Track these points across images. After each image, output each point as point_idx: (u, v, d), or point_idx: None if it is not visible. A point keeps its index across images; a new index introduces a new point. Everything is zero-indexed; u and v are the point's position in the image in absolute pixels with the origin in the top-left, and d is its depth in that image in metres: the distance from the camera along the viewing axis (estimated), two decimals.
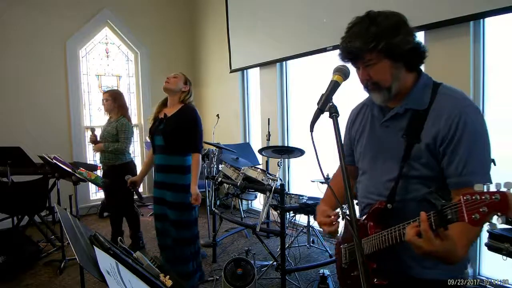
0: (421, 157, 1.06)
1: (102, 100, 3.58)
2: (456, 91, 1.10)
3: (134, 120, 5.31)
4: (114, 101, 3.51)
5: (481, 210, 0.73)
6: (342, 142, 1.35)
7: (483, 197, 0.73)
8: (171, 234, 2.49)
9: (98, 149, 3.49)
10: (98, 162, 3.72)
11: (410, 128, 1.08)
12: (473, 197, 0.75)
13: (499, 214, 0.72)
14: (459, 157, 1.00)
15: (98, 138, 3.52)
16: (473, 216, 0.75)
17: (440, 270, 1.06)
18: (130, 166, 3.48)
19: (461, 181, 1.00)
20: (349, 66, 1.11)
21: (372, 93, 1.13)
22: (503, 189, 0.73)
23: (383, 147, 1.16)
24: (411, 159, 1.07)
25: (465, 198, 0.77)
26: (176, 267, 2.48)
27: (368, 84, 1.10)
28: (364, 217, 1.20)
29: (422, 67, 1.17)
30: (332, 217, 1.19)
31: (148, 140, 2.73)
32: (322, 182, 3.16)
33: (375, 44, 1.01)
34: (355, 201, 1.15)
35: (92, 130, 3.63)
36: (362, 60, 1.06)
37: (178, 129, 2.41)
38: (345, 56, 1.10)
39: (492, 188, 0.74)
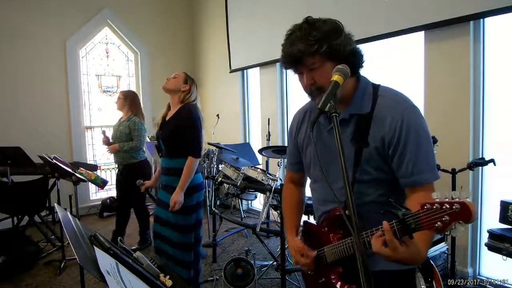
0: (371, 160, 1.08)
1: (117, 97, 3.69)
2: (394, 93, 1.13)
3: None
4: (125, 99, 3.58)
5: (443, 219, 0.76)
6: (291, 150, 1.37)
7: (444, 207, 0.76)
8: (169, 237, 2.38)
9: (113, 150, 3.52)
10: (113, 162, 3.75)
11: (357, 132, 1.09)
12: (434, 207, 0.78)
13: (461, 222, 0.75)
14: (407, 159, 1.04)
15: (111, 139, 3.57)
16: (436, 225, 0.77)
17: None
18: (144, 165, 3.56)
19: (412, 181, 1.05)
20: (290, 73, 1.12)
21: (317, 98, 1.11)
22: (461, 199, 0.75)
23: (332, 154, 1.14)
24: (363, 163, 1.09)
25: (425, 207, 0.79)
26: (176, 271, 2.40)
27: (312, 89, 1.09)
28: (323, 224, 1.20)
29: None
30: (309, 258, 1.19)
31: (148, 140, 2.72)
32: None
33: (317, 46, 1.02)
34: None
35: (103, 132, 3.66)
36: (305, 64, 1.07)
37: (173, 132, 2.30)
38: (287, 62, 1.10)
39: (449, 196, 0.77)
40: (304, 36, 1.04)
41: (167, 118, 2.42)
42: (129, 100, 3.59)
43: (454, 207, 0.75)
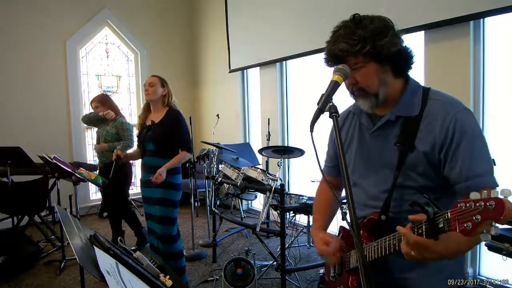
0: (417, 166, 1.02)
1: (92, 108, 3.69)
2: (446, 95, 1.07)
3: (134, 119, 5.30)
4: (104, 104, 3.61)
5: (474, 218, 0.69)
6: (329, 152, 1.34)
7: (477, 205, 0.69)
8: (158, 232, 2.54)
9: (101, 149, 3.54)
10: (97, 162, 3.77)
11: (403, 136, 1.04)
12: (467, 205, 0.70)
13: (493, 223, 0.67)
14: (461, 162, 0.97)
15: (95, 142, 3.62)
16: (465, 225, 0.70)
17: (434, 278, 1.05)
18: (127, 165, 3.54)
19: (468, 186, 0.96)
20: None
21: (359, 99, 1.10)
22: (500, 196, 0.67)
23: (375, 157, 1.12)
24: (406, 168, 1.04)
25: (459, 205, 0.73)
26: (169, 264, 2.49)
27: (354, 89, 1.07)
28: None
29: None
30: (334, 248, 1.14)
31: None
32: None
33: (361, 46, 0.99)
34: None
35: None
36: (348, 64, 1.02)
37: (167, 134, 2.49)
38: (330, 60, 1.07)
39: (490, 195, 0.69)
40: (348, 34, 1.01)
41: (155, 121, 2.53)
42: (107, 104, 3.63)
43: (488, 204, 0.67)
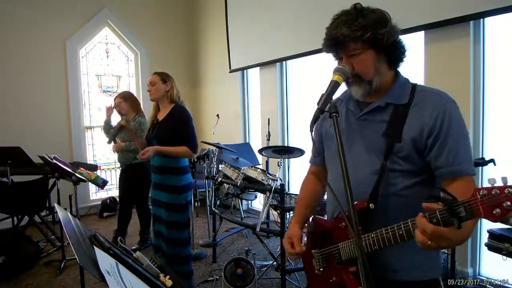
0: (403, 151, 1.06)
1: (115, 104, 3.66)
2: (434, 88, 1.13)
3: None
4: (126, 101, 3.60)
5: (504, 205, 0.72)
6: (315, 141, 1.33)
7: (506, 191, 0.72)
8: (165, 235, 2.46)
9: (119, 149, 3.54)
10: (113, 162, 3.78)
11: (391, 125, 1.08)
12: (492, 192, 0.73)
13: None
14: (448, 149, 1.02)
15: (113, 142, 3.61)
16: (494, 212, 0.73)
17: (419, 272, 1.09)
18: (146, 166, 3.51)
19: (454, 170, 1.02)
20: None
21: (352, 86, 1.12)
22: None
23: (361, 141, 1.14)
24: (393, 155, 1.07)
25: (481, 193, 0.75)
26: (174, 267, 2.46)
27: (349, 76, 1.09)
28: (339, 219, 1.18)
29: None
30: (296, 247, 1.22)
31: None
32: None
33: (362, 32, 1.02)
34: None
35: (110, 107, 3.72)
36: (346, 49, 1.06)
37: (171, 132, 2.39)
38: (330, 45, 1.10)
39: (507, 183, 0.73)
40: (350, 21, 1.04)
41: (159, 119, 2.48)
42: (130, 101, 3.61)
43: None
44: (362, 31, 1.02)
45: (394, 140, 1.06)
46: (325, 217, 1.30)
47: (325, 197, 1.40)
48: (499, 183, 0.75)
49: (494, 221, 0.75)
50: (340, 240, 1.14)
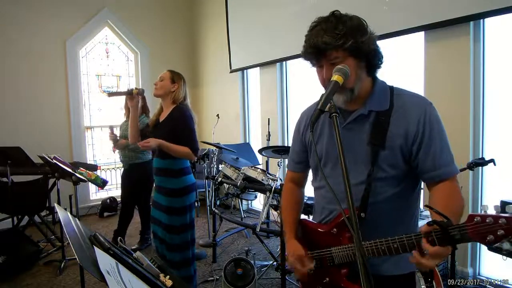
0: (389, 158, 1.08)
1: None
2: (411, 92, 1.15)
3: None
4: (142, 99, 3.52)
5: (498, 233, 0.77)
6: (295, 149, 1.35)
7: (500, 221, 0.77)
8: (163, 238, 2.40)
9: (121, 146, 3.54)
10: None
11: (375, 133, 1.09)
12: (486, 220, 0.78)
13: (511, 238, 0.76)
14: (433, 152, 1.05)
15: (118, 137, 3.58)
16: (488, 238, 0.79)
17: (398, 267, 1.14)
18: (149, 165, 3.52)
19: (441, 173, 1.05)
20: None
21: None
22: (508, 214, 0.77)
23: (347, 150, 1.11)
24: (380, 161, 1.09)
25: (475, 220, 0.80)
26: (176, 271, 2.42)
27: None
28: (331, 224, 1.18)
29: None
30: (306, 269, 1.19)
31: None
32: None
33: (344, 40, 1.02)
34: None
35: (111, 127, 3.66)
36: (327, 57, 1.06)
37: (168, 133, 2.30)
38: (310, 53, 1.08)
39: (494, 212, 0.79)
40: (331, 29, 1.04)
41: (160, 120, 2.43)
42: (142, 100, 3.52)
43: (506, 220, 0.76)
44: (344, 39, 1.02)
45: (378, 148, 1.08)
46: (310, 218, 1.31)
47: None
48: (491, 211, 0.80)
49: (487, 246, 0.80)
50: (332, 244, 1.15)
